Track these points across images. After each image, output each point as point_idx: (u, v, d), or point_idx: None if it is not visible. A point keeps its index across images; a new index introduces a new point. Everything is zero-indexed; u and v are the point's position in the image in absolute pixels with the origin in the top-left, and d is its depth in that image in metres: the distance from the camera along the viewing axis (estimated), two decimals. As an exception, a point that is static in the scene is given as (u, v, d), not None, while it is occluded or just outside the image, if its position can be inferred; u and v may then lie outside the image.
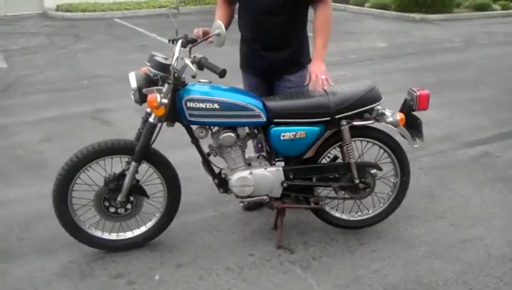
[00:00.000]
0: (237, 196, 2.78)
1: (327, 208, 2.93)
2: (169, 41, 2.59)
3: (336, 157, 2.93)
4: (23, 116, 5.20)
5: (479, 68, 7.40)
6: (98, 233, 2.78)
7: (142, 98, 2.50)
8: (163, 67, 2.46)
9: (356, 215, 3.01)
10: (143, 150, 2.59)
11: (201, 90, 2.56)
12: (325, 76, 2.70)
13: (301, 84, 2.86)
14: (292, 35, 2.84)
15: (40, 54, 8.31)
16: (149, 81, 2.53)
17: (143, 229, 2.84)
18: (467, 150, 4.30)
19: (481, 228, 3.08)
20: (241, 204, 2.83)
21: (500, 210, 3.29)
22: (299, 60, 2.91)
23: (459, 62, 7.79)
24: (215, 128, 2.69)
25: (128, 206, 2.74)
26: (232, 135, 2.64)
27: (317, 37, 2.76)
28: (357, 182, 2.82)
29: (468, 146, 4.38)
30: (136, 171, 2.64)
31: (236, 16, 3.02)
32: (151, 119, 2.55)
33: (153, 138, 2.60)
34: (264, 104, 2.63)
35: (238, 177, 2.70)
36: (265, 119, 2.62)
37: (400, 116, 2.70)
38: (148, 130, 2.56)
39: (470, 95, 5.97)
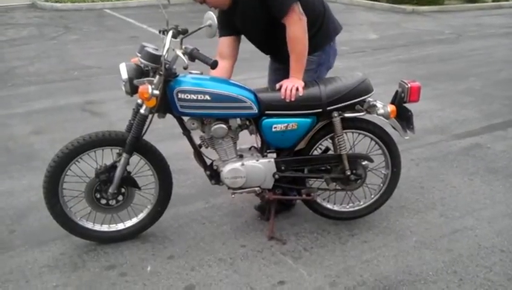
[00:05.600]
0: (229, 188, 2.78)
1: (319, 200, 2.94)
2: (160, 32, 2.56)
3: (327, 149, 2.94)
4: (13, 108, 5.18)
5: (470, 60, 7.43)
6: (89, 225, 2.78)
7: (133, 89, 2.48)
8: (154, 58, 2.44)
9: (347, 207, 3.02)
10: (134, 141, 2.58)
11: (193, 81, 2.55)
12: (297, 87, 2.62)
13: (320, 62, 2.87)
14: None
15: (30, 45, 8.25)
16: (140, 72, 2.51)
17: (135, 220, 2.85)
18: (457, 141, 4.33)
19: (471, 218, 3.10)
20: (233, 196, 2.83)
21: (490, 201, 3.32)
22: (315, 45, 2.82)
23: (450, 54, 7.82)
24: (207, 120, 2.67)
25: (120, 197, 2.73)
26: (224, 126, 2.63)
27: (290, 54, 2.70)
28: (349, 173, 2.83)
29: (459, 138, 4.41)
30: (127, 162, 2.63)
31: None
32: (142, 111, 2.54)
33: (144, 130, 2.59)
34: (255, 96, 2.63)
35: (230, 168, 2.70)
36: (257, 111, 2.61)
37: (391, 108, 2.71)
38: (139, 122, 2.55)
39: (460, 87, 6.00)
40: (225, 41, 2.85)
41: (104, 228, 2.82)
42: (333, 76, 2.82)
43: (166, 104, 2.53)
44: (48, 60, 7.22)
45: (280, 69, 2.97)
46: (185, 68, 2.41)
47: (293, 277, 2.57)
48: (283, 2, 2.57)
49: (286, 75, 2.76)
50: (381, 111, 2.70)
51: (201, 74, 2.65)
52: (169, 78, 2.50)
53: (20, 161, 3.92)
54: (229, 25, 2.77)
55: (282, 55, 2.80)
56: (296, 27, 2.62)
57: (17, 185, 3.51)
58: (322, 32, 2.80)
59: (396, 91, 2.77)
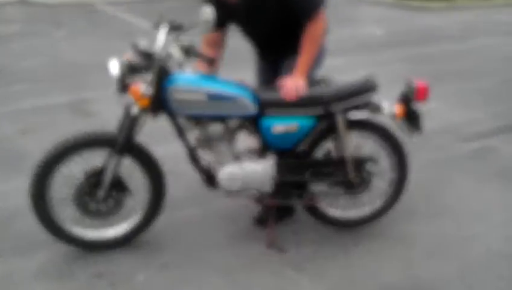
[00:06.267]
0: (225, 191, 2.69)
1: (320, 205, 2.86)
2: (154, 27, 2.50)
3: (330, 151, 2.84)
4: (1, 107, 5.11)
5: (479, 58, 7.36)
6: (77, 230, 2.70)
7: (124, 88, 2.42)
8: (147, 55, 2.39)
9: (351, 213, 2.94)
10: (125, 142, 2.51)
11: (188, 80, 2.47)
12: (299, 88, 2.57)
13: None
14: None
15: (20, 41, 8.26)
16: (132, 70, 2.43)
17: (125, 226, 2.77)
18: (466, 143, 4.24)
19: (481, 224, 3.03)
20: (229, 200, 2.77)
21: (500, 206, 3.24)
22: None
23: (459, 52, 7.75)
24: (203, 120, 2.58)
25: (110, 202, 2.65)
26: (221, 126, 2.58)
27: (302, 52, 2.66)
28: (352, 177, 2.75)
29: (468, 140, 4.32)
30: (118, 165, 2.56)
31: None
32: (134, 110, 2.47)
33: (136, 130, 2.52)
34: (254, 95, 2.55)
35: (227, 171, 2.62)
36: (256, 111, 2.54)
37: (397, 108, 2.67)
38: (131, 122, 2.48)
39: (469, 86, 5.92)
40: (214, 33, 2.79)
41: (93, 234, 2.73)
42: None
43: (159, 104, 2.47)
44: (38, 57, 7.18)
45: (267, 70, 2.95)
46: (180, 65, 2.36)
47: (294, 288, 2.49)
48: (311, 2, 2.58)
49: (274, 76, 2.74)
50: (387, 111, 2.66)
51: (197, 71, 2.57)
52: (163, 76, 2.44)
53: (7, 162, 3.84)
54: (220, 17, 2.67)
55: (273, 54, 2.77)
56: (319, 29, 2.63)
57: (3, 188, 3.42)
58: None
59: (403, 90, 2.72)
